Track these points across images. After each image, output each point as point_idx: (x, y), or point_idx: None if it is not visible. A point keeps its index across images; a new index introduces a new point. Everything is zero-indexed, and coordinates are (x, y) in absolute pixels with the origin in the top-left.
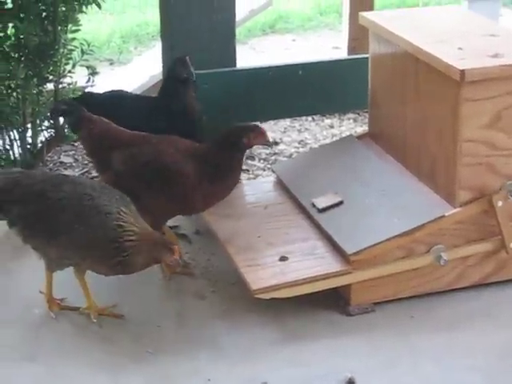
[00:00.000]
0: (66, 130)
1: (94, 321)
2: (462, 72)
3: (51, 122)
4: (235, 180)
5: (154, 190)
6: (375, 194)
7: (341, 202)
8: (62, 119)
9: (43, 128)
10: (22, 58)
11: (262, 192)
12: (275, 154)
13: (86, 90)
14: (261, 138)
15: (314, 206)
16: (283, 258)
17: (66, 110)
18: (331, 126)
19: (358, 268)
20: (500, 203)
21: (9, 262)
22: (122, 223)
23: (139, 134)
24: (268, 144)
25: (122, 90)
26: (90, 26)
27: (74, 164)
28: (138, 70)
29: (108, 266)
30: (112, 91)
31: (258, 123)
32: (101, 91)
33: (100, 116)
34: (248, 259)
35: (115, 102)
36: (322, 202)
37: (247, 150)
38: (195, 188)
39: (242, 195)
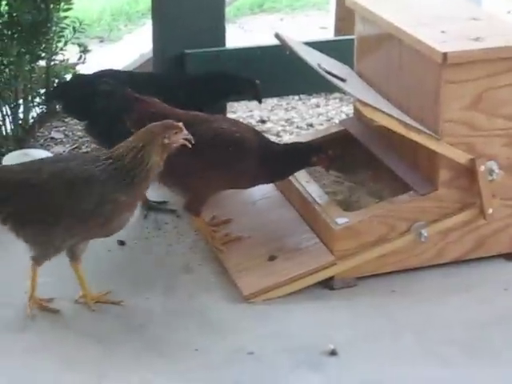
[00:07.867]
0: (57, 107)
1: (94, 309)
2: (445, 54)
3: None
4: (274, 180)
5: (213, 167)
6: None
7: (344, 80)
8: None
9: (35, 104)
10: (15, 36)
11: None
12: (262, 131)
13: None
14: (324, 161)
15: (320, 66)
16: (272, 258)
17: (110, 92)
18: (317, 106)
19: (342, 243)
20: (482, 167)
21: None
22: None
23: (195, 113)
24: (327, 169)
25: (111, 69)
26: (81, 3)
27: (64, 140)
28: (128, 48)
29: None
30: (101, 71)
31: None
32: (91, 69)
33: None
34: (239, 263)
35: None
36: (328, 67)
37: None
38: (257, 164)
39: (230, 193)
